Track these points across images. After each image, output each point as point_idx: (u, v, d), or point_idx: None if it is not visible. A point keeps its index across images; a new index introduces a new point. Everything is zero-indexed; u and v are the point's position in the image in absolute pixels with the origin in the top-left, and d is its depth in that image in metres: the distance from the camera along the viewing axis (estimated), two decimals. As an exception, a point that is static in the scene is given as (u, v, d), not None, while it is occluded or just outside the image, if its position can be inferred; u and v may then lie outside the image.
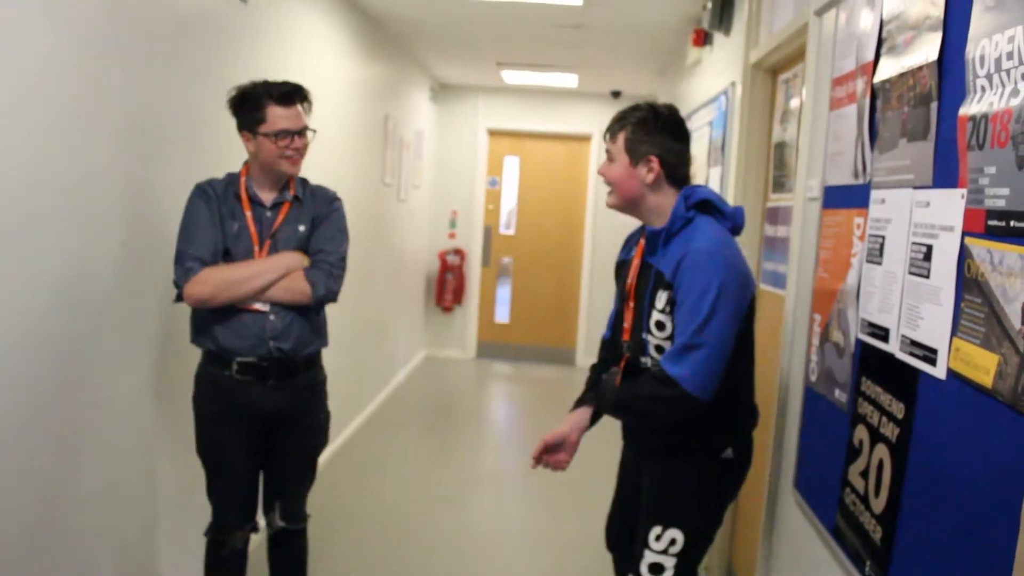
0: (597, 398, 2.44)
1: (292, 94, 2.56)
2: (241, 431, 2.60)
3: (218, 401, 2.59)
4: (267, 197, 2.60)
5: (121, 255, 2.56)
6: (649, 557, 2.28)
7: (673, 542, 2.26)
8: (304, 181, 2.70)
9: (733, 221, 2.28)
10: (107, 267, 2.49)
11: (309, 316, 2.62)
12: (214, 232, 2.50)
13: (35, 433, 2.21)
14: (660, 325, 2.22)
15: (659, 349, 2.24)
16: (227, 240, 2.53)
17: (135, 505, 2.79)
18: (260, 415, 2.60)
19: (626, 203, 2.32)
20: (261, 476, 2.75)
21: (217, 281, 2.45)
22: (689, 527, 2.27)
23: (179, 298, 2.49)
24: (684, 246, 2.17)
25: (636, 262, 2.35)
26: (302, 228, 2.61)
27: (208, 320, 2.53)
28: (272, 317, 2.54)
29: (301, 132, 2.57)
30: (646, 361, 2.29)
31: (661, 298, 2.21)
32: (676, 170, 2.29)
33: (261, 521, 2.79)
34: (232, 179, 2.61)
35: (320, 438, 2.79)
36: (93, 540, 2.54)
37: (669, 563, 2.26)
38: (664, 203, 2.28)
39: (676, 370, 2.11)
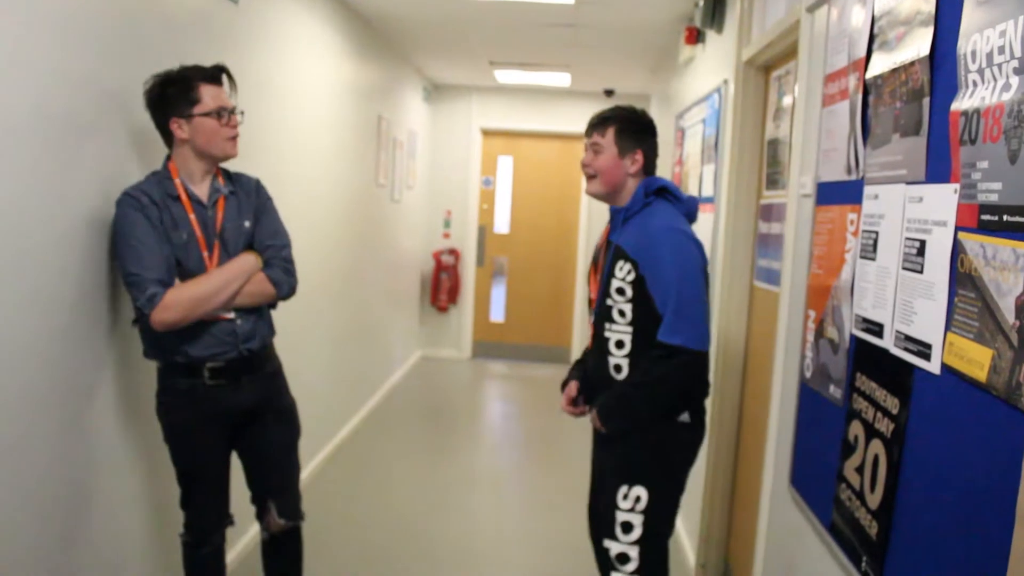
0: (604, 418, 2.56)
1: (219, 73, 2.51)
2: (216, 436, 2.59)
3: (191, 410, 2.54)
4: (201, 192, 2.50)
5: (110, 262, 2.52)
6: (619, 517, 2.52)
7: (639, 499, 2.50)
8: (227, 172, 2.62)
9: (687, 207, 2.60)
10: (93, 277, 2.45)
11: (263, 312, 2.63)
12: (162, 247, 2.39)
13: (12, 439, 2.20)
14: (620, 291, 2.50)
15: (621, 313, 2.50)
16: (176, 251, 2.43)
17: (117, 504, 2.78)
18: (234, 414, 2.59)
19: (609, 190, 2.64)
20: (245, 479, 2.74)
21: (185, 303, 2.37)
22: (652, 485, 2.50)
23: (137, 322, 2.43)
24: (641, 225, 2.51)
25: (603, 240, 2.71)
26: (247, 224, 2.56)
27: (171, 335, 2.44)
28: (240, 322, 2.52)
29: (234, 110, 2.51)
30: (609, 328, 2.54)
31: (622, 268, 2.49)
32: (651, 161, 2.66)
33: (240, 515, 2.77)
34: (162, 178, 2.47)
35: (295, 424, 2.78)
36: (72, 551, 2.53)
37: (637, 520, 2.50)
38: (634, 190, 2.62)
39: (677, 338, 2.40)
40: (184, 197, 2.46)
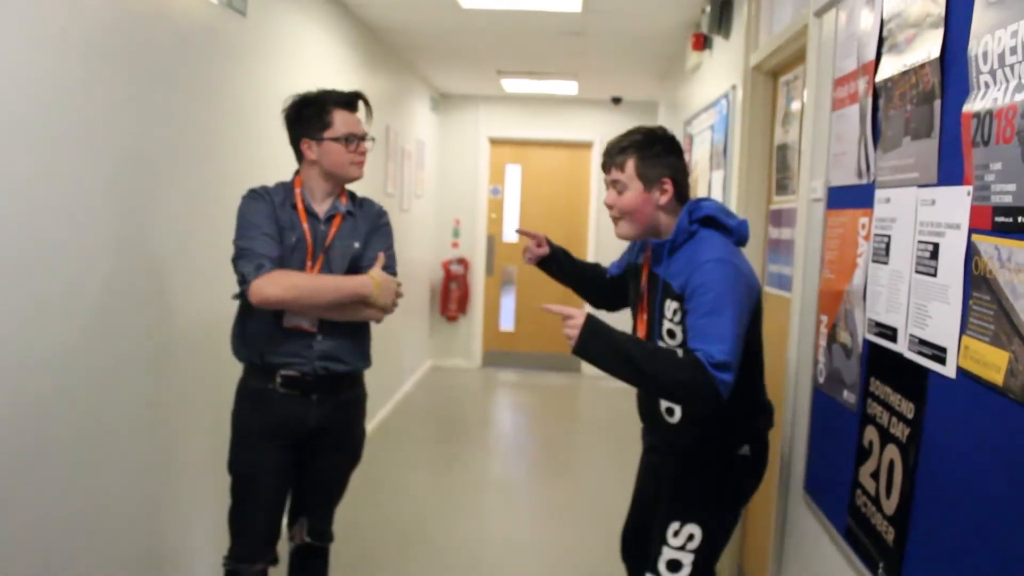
0: (587, 334, 2.09)
1: (355, 99, 2.57)
2: (278, 449, 2.53)
3: (258, 415, 2.52)
4: (320, 209, 2.55)
5: (116, 274, 2.53)
6: (667, 554, 2.29)
7: (691, 538, 2.28)
8: (353, 194, 2.65)
9: (738, 235, 2.27)
10: (101, 288, 2.45)
11: (357, 338, 2.59)
12: (276, 236, 2.44)
13: (27, 450, 2.21)
14: (671, 333, 2.24)
15: None
16: (282, 250, 2.46)
17: (140, 523, 2.78)
18: (300, 430, 2.54)
19: (642, 230, 2.30)
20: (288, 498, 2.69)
21: (289, 285, 2.37)
22: (707, 523, 2.29)
23: (240, 295, 2.43)
24: (690, 259, 2.18)
25: (645, 271, 2.37)
26: (356, 245, 2.56)
27: (254, 333, 2.48)
28: (320, 338, 2.49)
29: (364, 137, 2.57)
30: None
31: (670, 308, 2.23)
32: (683, 186, 2.30)
33: (281, 550, 2.69)
34: (287, 188, 2.55)
35: (355, 456, 2.74)
36: (95, 562, 2.53)
37: (687, 559, 2.28)
38: (673, 220, 2.28)
39: (718, 355, 2.02)
40: (301, 207, 2.52)
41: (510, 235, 8.68)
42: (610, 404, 7.12)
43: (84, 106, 2.33)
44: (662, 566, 2.29)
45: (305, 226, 2.50)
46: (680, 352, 2.07)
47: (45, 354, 2.21)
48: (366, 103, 2.63)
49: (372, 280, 2.50)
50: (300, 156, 2.56)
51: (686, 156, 4.06)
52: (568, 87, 7.63)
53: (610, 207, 2.31)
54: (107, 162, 2.46)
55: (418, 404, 7.05)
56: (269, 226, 2.44)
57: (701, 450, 2.32)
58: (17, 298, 2.08)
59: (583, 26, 5.20)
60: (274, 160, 3.71)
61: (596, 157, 8.40)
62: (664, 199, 2.25)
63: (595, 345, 2.08)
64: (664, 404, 2.33)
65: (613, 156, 2.29)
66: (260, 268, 2.36)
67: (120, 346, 2.57)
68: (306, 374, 2.49)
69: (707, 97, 4.53)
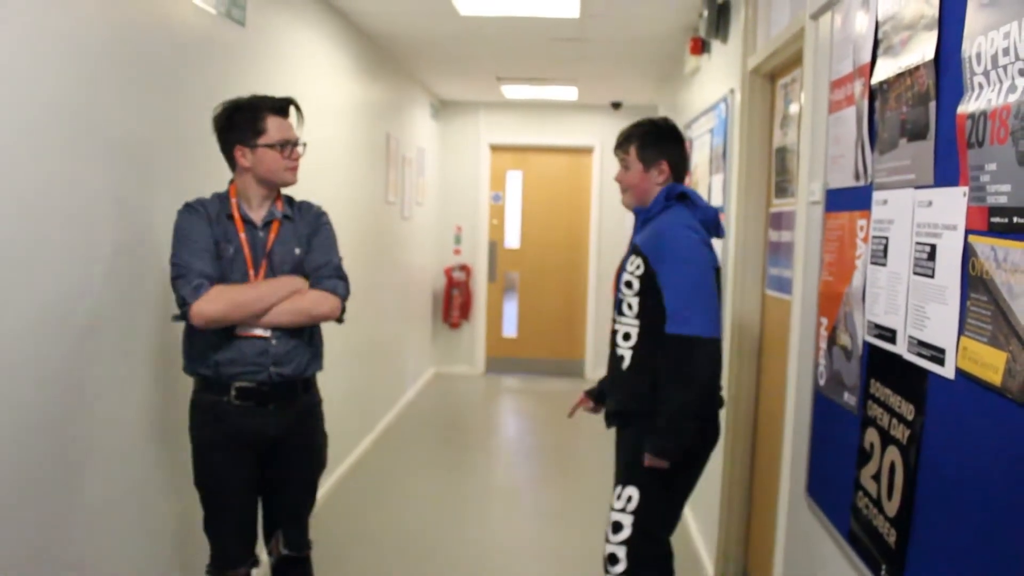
0: (658, 449, 2.50)
1: (287, 105, 2.57)
2: (241, 460, 2.54)
3: (216, 429, 2.52)
4: (257, 216, 2.55)
5: (116, 280, 2.54)
6: (612, 516, 2.59)
7: (629, 499, 2.56)
8: (290, 198, 2.66)
9: (704, 214, 2.66)
10: (102, 293, 2.46)
11: (309, 340, 2.60)
12: (212, 252, 2.45)
13: (31, 455, 2.21)
14: (628, 284, 2.62)
15: (629, 306, 2.61)
16: (222, 264, 2.46)
17: (134, 533, 2.77)
18: (260, 441, 2.55)
19: (641, 201, 2.73)
20: (260, 506, 2.69)
21: (228, 300, 2.39)
22: (643, 485, 2.54)
23: (181, 317, 2.42)
24: (655, 224, 2.62)
25: (629, 243, 2.77)
26: (297, 251, 2.57)
27: (205, 346, 2.47)
28: (274, 342, 2.50)
29: (297, 143, 2.57)
30: (618, 320, 2.66)
31: (633, 263, 2.61)
32: (679, 168, 2.75)
33: (262, 555, 2.72)
34: (222, 199, 2.55)
35: (319, 462, 2.74)
36: (91, 569, 2.53)
37: (627, 521, 2.54)
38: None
39: (688, 328, 2.47)
40: (237, 216, 2.52)
41: (512, 241, 8.70)
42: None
43: (84, 114, 2.34)
44: (608, 529, 2.59)
45: (242, 236, 2.51)
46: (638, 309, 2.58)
47: (47, 357, 2.22)
48: (298, 109, 2.62)
49: (301, 279, 2.54)
50: (233, 164, 2.54)
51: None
52: (568, 92, 7.64)
53: (618, 181, 2.78)
54: (107, 169, 2.47)
55: (421, 411, 7.05)
56: (205, 241, 2.44)
57: (640, 417, 2.57)
58: (18, 302, 2.09)
59: (581, 32, 5.21)
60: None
61: (597, 162, 8.42)
62: (661, 178, 2.70)
63: (669, 441, 2.48)
64: (619, 352, 2.64)
65: (621, 142, 2.76)
66: (198, 289, 2.37)
67: (121, 349, 2.58)
68: (262, 384, 2.49)
69: (706, 101, 4.53)
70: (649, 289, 2.55)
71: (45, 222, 2.18)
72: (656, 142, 2.71)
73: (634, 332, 2.60)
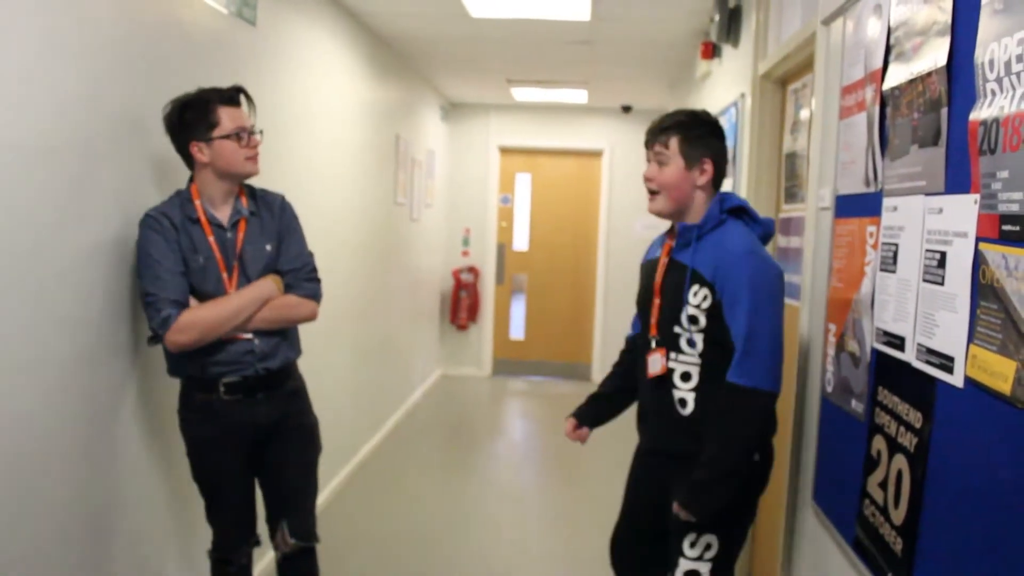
0: (688, 503, 2.26)
1: (236, 94, 2.52)
2: (235, 452, 2.58)
3: (208, 425, 2.54)
4: (223, 214, 2.51)
5: (127, 282, 2.54)
6: (684, 565, 2.32)
7: (708, 547, 2.30)
8: (251, 189, 2.62)
9: (764, 228, 2.36)
10: (106, 296, 2.46)
11: (287, 333, 2.63)
12: (180, 269, 2.42)
13: (30, 456, 2.21)
14: (693, 319, 2.28)
15: (691, 343, 2.30)
16: (193, 277, 2.44)
17: (143, 523, 2.78)
18: (252, 430, 2.58)
19: (677, 206, 2.36)
20: (260, 494, 2.72)
21: (200, 326, 2.39)
22: (723, 531, 2.31)
23: (153, 340, 2.44)
24: (717, 247, 2.26)
25: (663, 260, 2.41)
26: (268, 247, 2.56)
27: (191, 353, 2.46)
28: (257, 342, 2.52)
29: (253, 131, 2.53)
30: (675, 358, 2.33)
31: (698, 294, 2.26)
32: (722, 171, 2.39)
33: (263, 535, 2.76)
34: (183, 201, 2.48)
35: (314, 444, 2.76)
36: (105, 559, 2.53)
37: (705, 569, 2.31)
38: (704, 205, 2.36)
39: (747, 379, 2.20)
40: (204, 219, 2.48)
41: (520, 244, 8.69)
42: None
43: (93, 114, 2.35)
44: None
45: (211, 239, 2.48)
46: (723, 403, 2.23)
47: (55, 363, 2.22)
48: (247, 97, 2.57)
49: (272, 281, 2.53)
50: (190, 162, 2.50)
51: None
52: (578, 96, 7.63)
53: (649, 180, 2.37)
54: (116, 171, 2.47)
55: (428, 412, 7.05)
56: (170, 261, 2.41)
57: None
58: (25, 308, 2.09)
59: (592, 35, 5.21)
60: (283, 169, 3.72)
61: (606, 165, 8.41)
62: (703, 179, 2.33)
63: (702, 499, 2.25)
64: (678, 395, 2.33)
65: (657, 133, 2.35)
66: (167, 321, 2.36)
67: (129, 352, 2.58)
68: (248, 377, 2.52)
69: (716, 105, 4.52)
70: (715, 323, 2.24)
71: (52, 223, 2.18)
72: (703, 136, 2.33)
73: (695, 372, 2.29)
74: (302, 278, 2.59)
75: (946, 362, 1.51)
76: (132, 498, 2.64)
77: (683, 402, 2.33)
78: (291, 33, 3.90)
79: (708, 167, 2.33)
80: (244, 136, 2.48)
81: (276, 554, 2.73)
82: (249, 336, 2.51)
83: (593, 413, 2.72)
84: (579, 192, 8.60)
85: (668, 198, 2.34)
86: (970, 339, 1.43)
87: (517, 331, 8.80)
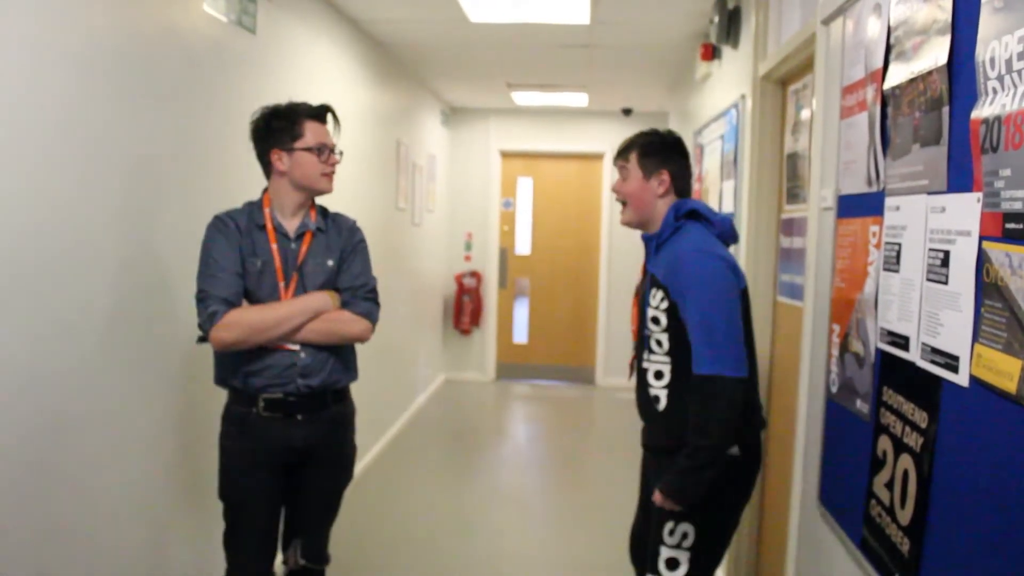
0: (670, 491, 2.34)
1: (325, 112, 2.57)
2: (267, 473, 2.51)
3: (244, 440, 2.50)
4: (290, 226, 2.53)
5: (125, 293, 2.55)
6: (665, 552, 2.41)
7: (685, 536, 2.39)
8: (324, 209, 2.64)
9: (720, 228, 2.48)
10: (109, 307, 2.47)
11: (341, 352, 2.57)
12: (236, 270, 2.43)
13: (37, 467, 2.21)
14: (656, 320, 2.42)
15: (658, 343, 2.42)
16: (248, 280, 2.45)
17: (144, 549, 2.78)
18: (287, 452, 2.52)
19: (640, 215, 2.55)
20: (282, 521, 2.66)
21: (245, 326, 2.37)
22: (699, 522, 2.38)
23: (203, 339, 2.42)
24: (670, 251, 2.42)
25: (642, 270, 2.60)
26: (330, 263, 2.54)
27: (234, 358, 2.45)
28: (303, 355, 2.47)
29: (334, 149, 2.56)
30: (647, 358, 2.47)
31: (655, 296, 2.41)
32: (681, 181, 2.55)
33: (277, 571, 2.69)
34: (253, 209, 2.53)
35: (346, 474, 2.71)
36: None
37: (684, 557, 2.39)
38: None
39: (707, 368, 2.27)
40: (270, 226, 2.50)
41: (522, 248, 8.69)
42: (624, 415, 7.07)
43: (92, 124, 2.35)
44: (662, 565, 2.41)
45: (274, 247, 2.48)
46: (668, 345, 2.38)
47: (57, 372, 2.22)
48: (335, 116, 2.62)
49: (329, 295, 2.50)
50: (268, 170, 2.53)
51: (697, 166, 4.07)
52: (578, 99, 7.64)
53: (615, 191, 2.59)
54: (117, 179, 2.48)
55: (432, 417, 7.04)
56: (228, 260, 2.42)
57: (679, 448, 2.35)
58: (28, 316, 2.09)
59: (592, 38, 5.21)
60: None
61: (607, 168, 8.41)
62: (661, 189, 2.51)
63: (683, 486, 2.31)
64: (652, 392, 2.46)
65: (620, 151, 2.59)
66: (214, 316, 2.36)
67: (129, 362, 2.58)
68: (289, 395, 2.47)
69: (717, 107, 4.52)
70: (676, 322, 2.36)
71: (53, 231, 2.19)
72: (658, 151, 2.53)
73: (667, 370, 2.42)
74: (360, 296, 2.55)
75: (951, 361, 1.51)
76: (143, 515, 2.64)
77: (657, 399, 2.45)
78: (291, 41, 3.90)
79: (665, 177, 2.50)
80: (325, 152, 2.52)
81: (284, 568, 2.70)
82: (295, 348, 2.46)
83: None
84: (581, 195, 8.60)
85: (633, 208, 2.55)
86: (975, 338, 1.42)
87: (520, 335, 8.79)
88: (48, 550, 2.20)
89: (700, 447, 2.28)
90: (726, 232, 2.49)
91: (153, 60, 2.66)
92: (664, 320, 2.39)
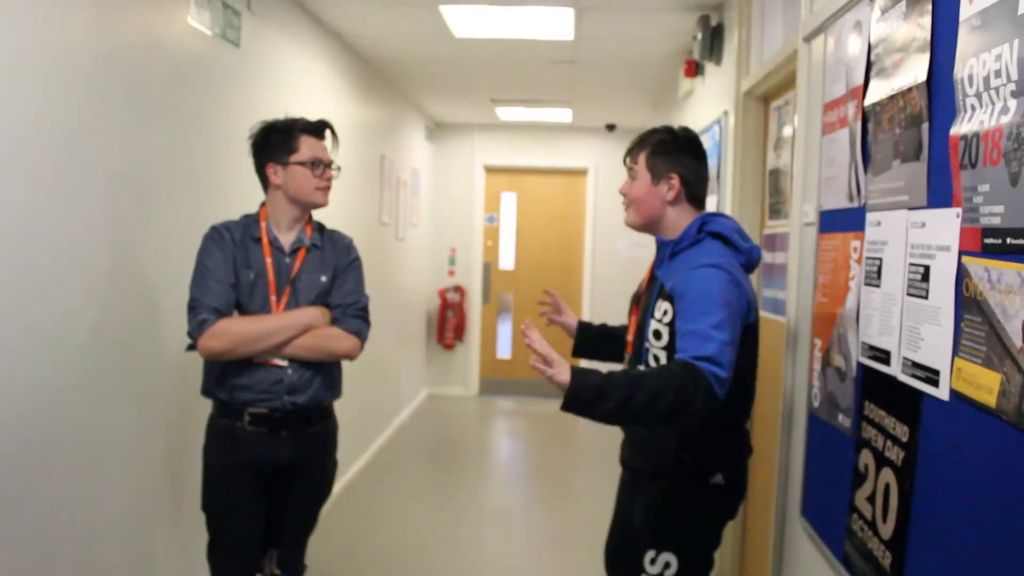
0: (572, 391, 2.09)
1: (322, 127, 2.59)
2: (250, 487, 2.52)
3: (229, 453, 2.50)
4: (286, 240, 2.54)
5: (111, 304, 2.53)
6: None
7: (668, 566, 2.25)
8: (321, 226, 2.65)
9: (747, 257, 2.26)
10: (95, 318, 2.46)
11: (327, 370, 2.57)
12: (229, 280, 2.43)
13: (22, 482, 2.19)
14: (657, 334, 2.22)
15: (656, 359, 2.22)
16: (241, 292, 2.45)
17: (127, 560, 2.75)
18: (271, 466, 2.53)
19: (645, 220, 2.35)
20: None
21: (233, 336, 2.37)
22: (682, 551, 2.26)
23: (192, 347, 2.42)
24: (687, 262, 2.19)
25: (647, 274, 2.43)
26: (324, 279, 2.56)
27: (222, 370, 2.46)
28: (290, 371, 2.48)
29: (330, 164, 2.57)
30: None
31: (660, 308, 2.22)
32: (695, 187, 2.33)
33: None
34: (250, 221, 2.54)
35: (327, 488, 2.72)
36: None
37: None
38: (681, 221, 2.31)
39: (704, 350, 1.98)
40: (265, 239, 2.51)
41: (506, 263, 8.69)
42: (607, 430, 7.07)
43: (76, 137, 2.34)
44: None
45: (268, 260, 2.49)
46: (666, 362, 2.12)
47: (39, 383, 2.20)
48: (332, 132, 2.64)
49: (320, 311, 2.51)
50: (265, 183, 2.55)
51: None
52: (562, 115, 7.66)
53: (621, 193, 2.39)
54: (100, 192, 2.47)
55: (415, 433, 7.01)
56: (221, 270, 2.43)
57: (673, 474, 2.28)
58: (10, 329, 2.07)
59: (576, 54, 5.24)
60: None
61: (591, 184, 8.43)
62: (671, 194, 2.30)
63: (585, 394, 2.04)
64: None
65: (631, 149, 2.38)
66: (203, 324, 2.37)
67: (113, 375, 2.56)
68: (275, 410, 2.48)
69: (700, 123, 4.55)
70: (675, 336, 2.13)
71: (36, 243, 2.17)
72: (670, 152, 2.31)
73: None
74: (350, 314, 2.56)
75: (931, 375, 1.52)
76: (126, 534, 2.62)
77: None
78: (275, 54, 3.90)
79: (675, 182, 2.29)
80: (319, 167, 2.53)
81: None
82: (283, 364, 2.47)
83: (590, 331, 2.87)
84: (564, 211, 8.62)
85: (636, 211, 2.35)
86: (955, 352, 1.43)
87: (504, 350, 8.78)
88: (29, 561, 2.18)
89: (622, 386, 1.97)
90: (752, 263, 2.29)
91: (137, 73, 2.65)
92: (666, 336, 2.19)
